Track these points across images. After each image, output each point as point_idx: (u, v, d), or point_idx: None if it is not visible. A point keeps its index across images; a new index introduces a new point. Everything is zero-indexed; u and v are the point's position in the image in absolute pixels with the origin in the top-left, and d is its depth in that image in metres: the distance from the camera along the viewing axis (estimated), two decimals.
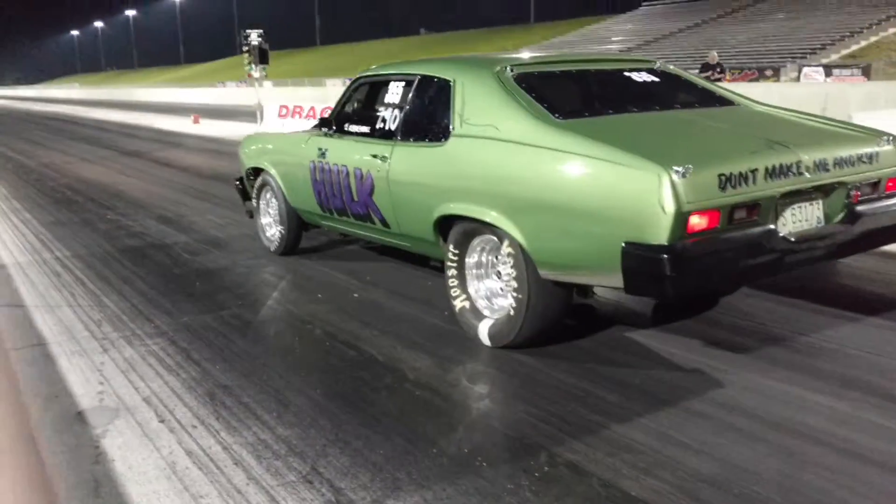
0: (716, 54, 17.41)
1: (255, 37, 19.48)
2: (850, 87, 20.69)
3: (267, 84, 37.90)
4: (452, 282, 4.07)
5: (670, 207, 2.94)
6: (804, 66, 29.74)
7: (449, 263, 4.07)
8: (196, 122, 23.36)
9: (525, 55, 4.72)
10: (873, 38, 35.77)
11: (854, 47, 35.21)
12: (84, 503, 2.58)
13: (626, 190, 3.09)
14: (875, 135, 3.84)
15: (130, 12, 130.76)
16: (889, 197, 3.78)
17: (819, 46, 35.39)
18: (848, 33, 36.33)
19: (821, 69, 28.27)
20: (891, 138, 3.83)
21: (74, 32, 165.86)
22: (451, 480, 2.64)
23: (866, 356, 3.65)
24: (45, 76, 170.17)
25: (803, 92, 19.05)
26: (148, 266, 5.82)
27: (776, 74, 28.88)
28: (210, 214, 7.85)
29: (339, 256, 5.93)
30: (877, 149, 3.72)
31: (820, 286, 4.75)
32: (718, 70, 16.27)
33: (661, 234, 2.97)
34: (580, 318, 4.27)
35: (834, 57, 33.48)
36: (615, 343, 3.90)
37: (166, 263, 5.90)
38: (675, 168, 2.96)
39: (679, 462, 2.72)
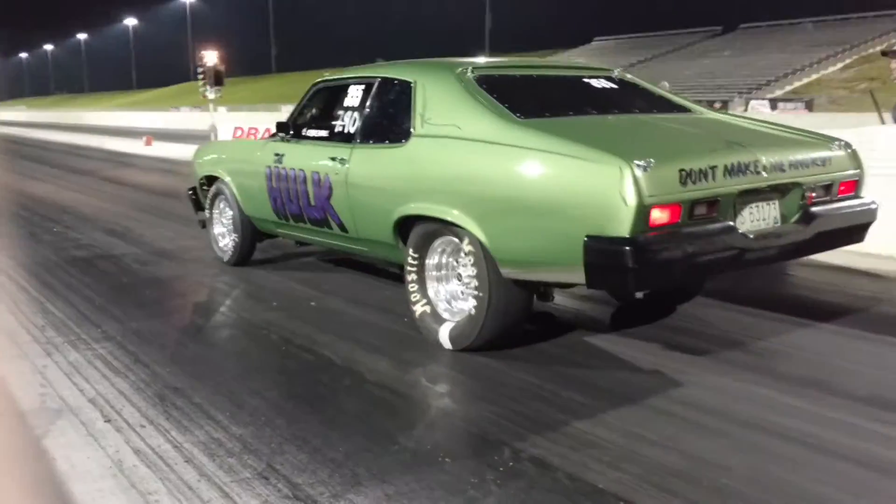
0: (667, 84, 17.83)
1: (210, 58, 19.29)
2: (795, 117, 21.36)
3: (221, 109, 37.56)
4: (412, 286, 3.99)
5: (632, 200, 2.95)
6: (750, 99, 30.64)
7: (409, 267, 4.00)
8: (148, 143, 22.90)
9: (483, 59, 4.73)
10: (814, 76, 37.17)
11: (797, 84, 36.50)
12: (24, 503, 2.43)
13: (589, 184, 3.10)
14: (827, 140, 3.94)
15: (82, 36, 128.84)
16: (841, 200, 3.86)
17: (764, 83, 36.59)
18: (791, 70, 37.66)
19: (767, 102, 29.19)
20: (842, 143, 3.93)
21: (23, 55, 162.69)
22: (414, 475, 2.55)
23: (823, 359, 3.69)
24: None
25: None
26: (95, 275, 5.63)
27: (725, 107, 29.70)
28: (161, 228, 7.66)
29: (294, 267, 5.82)
30: (829, 153, 3.81)
31: (777, 296, 4.83)
32: None
33: (622, 227, 2.98)
34: (541, 323, 4.23)
35: (778, 92, 34.61)
36: (576, 346, 3.88)
37: (114, 273, 5.71)
38: (637, 162, 2.97)
39: (645, 456, 2.67)
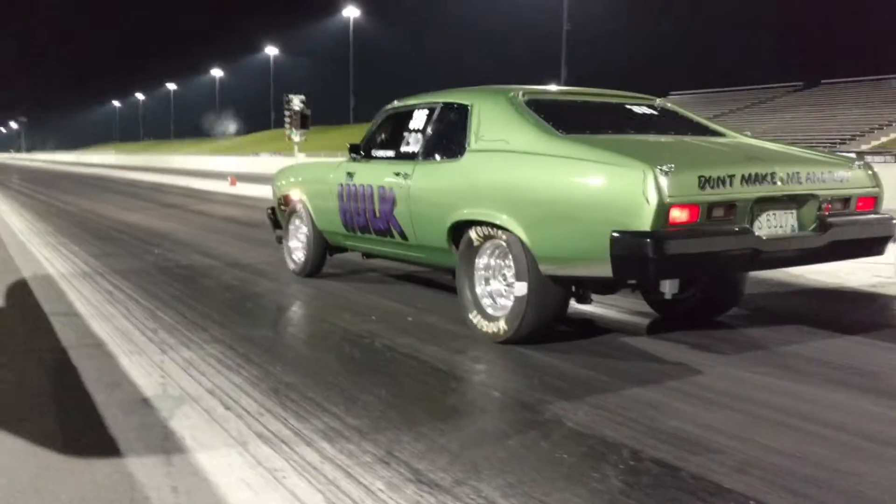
0: (749, 133, 17.60)
1: (297, 102, 19.98)
2: (884, 168, 20.72)
3: (300, 155, 38.67)
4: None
5: (653, 199, 3.35)
6: (837, 152, 29.89)
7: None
8: (233, 184, 23.73)
9: (536, 87, 5.00)
10: None
11: (883, 139, 35.50)
12: (157, 471, 2.51)
13: (617, 185, 3.51)
14: (848, 160, 4.30)
15: (171, 85, 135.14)
16: (859, 213, 4.17)
17: (848, 137, 35.72)
18: (876, 125, 36.68)
19: (854, 156, 28.39)
20: (862, 164, 4.26)
21: (116, 104, 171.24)
22: (533, 467, 2.55)
23: (840, 361, 3.93)
24: (85, 143, 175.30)
25: None
26: (198, 289, 5.84)
27: None
28: (253, 252, 7.89)
29: (388, 290, 5.93)
30: (848, 170, 4.14)
31: (806, 310, 5.21)
32: None
33: (645, 222, 3.37)
34: (579, 326, 4.61)
35: (864, 147, 33.72)
36: (611, 343, 4.26)
37: (216, 288, 5.92)
38: (659, 166, 3.38)
39: (652, 419, 3.01)
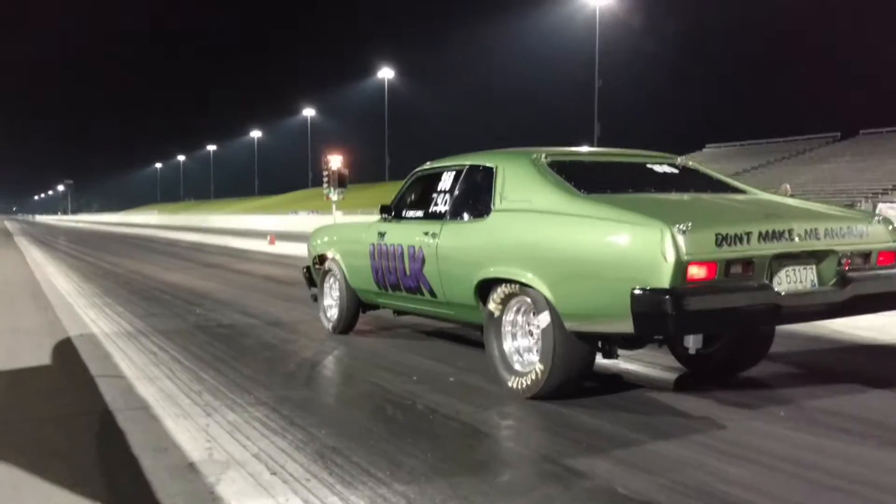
0: (788, 187, 17.41)
1: (335, 162, 20.34)
2: None
3: (338, 214, 39.23)
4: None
5: (671, 257, 3.46)
6: (878, 202, 29.44)
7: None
8: (272, 242, 24.08)
9: (560, 148, 5.11)
10: None
11: None
12: None
13: (636, 244, 3.62)
14: (867, 215, 4.40)
15: (211, 147, 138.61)
16: (880, 268, 4.20)
17: (890, 187, 35.15)
18: None
19: (877, 210, 27.95)
20: (882, 219, 4.31)
21: (158, 165, 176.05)
22: None
23: (830, 407, 4.08)
24: (128, 204, 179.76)
25: None
26: (240, 350, 5.89)
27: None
28: (294, 312, 7.95)
29: (424, 348, 5.92)
30: (867, 225, 4.19)
31: (836, 367, 5.19)
32: None
33: (664, 280, 3.47)
34: (606, 382, 4.68)
35: None
36: (637, 398, 4.31)
37: (257, 348, 5.96)
38: (677, 225, 3.48)
39: (676, 471, 3.03)
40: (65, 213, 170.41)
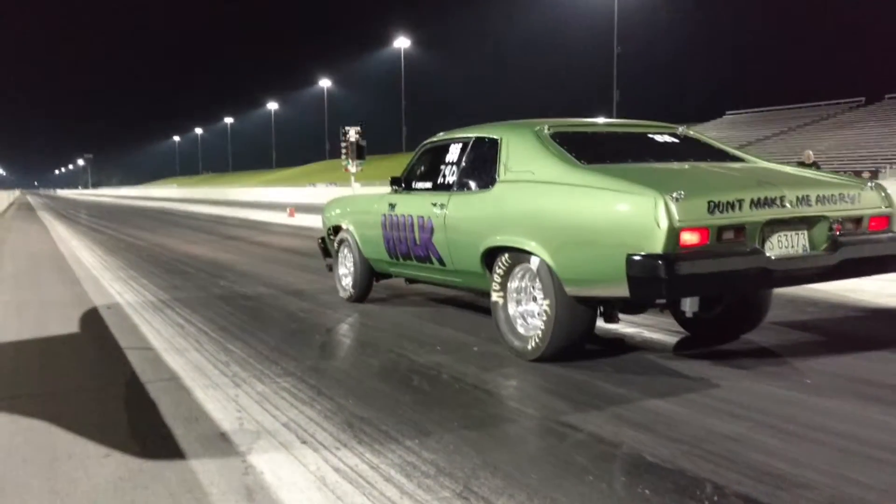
0: (811, 153, 17.17)
1: (353, 133, 20.26)
2: None
3: (356, 186, 39.14)
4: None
5: (664, 224, 3.60)
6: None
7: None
8: (291, 215, 24.16)
9: (565, 120, 5.24)
10: None
11: None
12: None
13: (632, 212, 3.76)
14: (860, 182, 4.46)
15: (228, 119, 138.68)
16: (871, 233, 4.31)
17: None
18: None
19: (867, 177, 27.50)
20: (874, 185, 4.41)
21: (176, 138, 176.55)
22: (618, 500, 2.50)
23: (859, 375, 4.12)
24: (147, 178, 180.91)
25: None
26: (265, 321, 5.94)
27: (874, 176, 28.22)
28: (316, 283, 8.00)
29: (445, 317, 5.95)
30: (859, 191, 4.28)
31: (831, 329, 5.09)
32: (814, 168, 15.99)
33: (657, 245, 3.62)
34: (608, 345, 4.88)
35: None
36: (636, 360, 4.48)
37: (283, 320, 6.01)
38: (670, 193, 3.62)
39: (664, 422, 3.02)
40: (85, 187, 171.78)
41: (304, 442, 3.14)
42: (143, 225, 21.24)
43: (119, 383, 4.17)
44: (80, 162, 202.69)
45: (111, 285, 8.10)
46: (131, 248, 13.01)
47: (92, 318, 6.12)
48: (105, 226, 20.75)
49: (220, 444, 3.16)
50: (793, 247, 4.05)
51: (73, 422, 3.48)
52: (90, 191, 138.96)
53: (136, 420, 3.57)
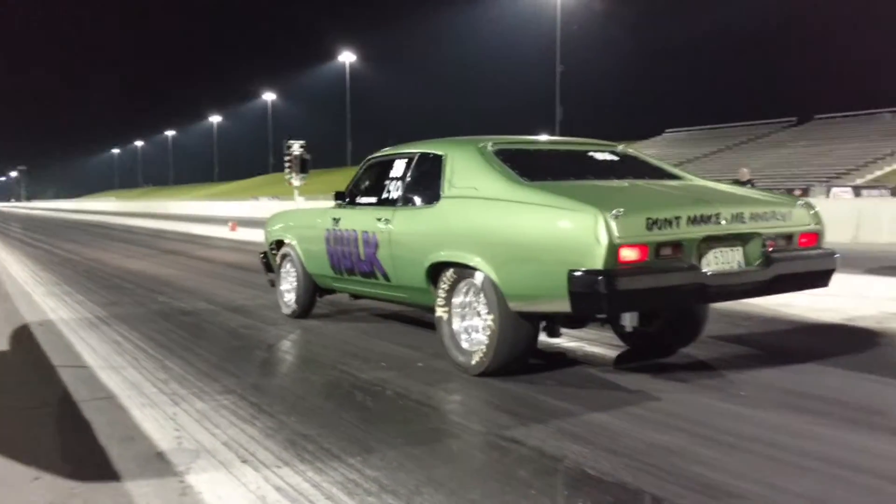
0: (746, 171, 17.70)
1: (296, 147, 20.15)
2: (882, 202, 20.84)
3: (300, 200, 38.79)
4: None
5: (604, 240, 3.68)
6: (832, 187, 30.09)
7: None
8: (233, 229, 23.76)
9: (508, 137, 5.28)
10: None
11: (878, 172, 35.75)
12: None
13: (572, 229, 3.85)
14: (791, 200, 4.65)
15: (169, 132, 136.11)
16: (801, 249, 4.46)
17: (843, 171, 35.96)
18: (871, 159, 36.95)
19: (849, 189, 28.60)
20: (804, 203, 4.59)
21: (115, 150, 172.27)
22: None
23: (795, 388, 4.22)
24: (84, 191, 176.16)
25: (837, 207, 19.02)
26: (205, 338, 5.83)
27: (805, 194, 29.18)
28: (259, 299, 7.88)
29: (391, 333, 5.93)
30: (790, 209, 4.45)
31: (764, 342, 5.39)
32: (749, 186, 16.46)
33: (597, 261, 3.69)
34: (550, 359, 4.91)
35: (859, 181, 33.91)
36: (578, 374, 4.56)
37: (223, 336, 5.91)
38: (610, 211, 3.71)
39: (606, 435, 3.27)
40: (18, 199, 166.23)
41: (244, 461, 3.09)
42: (80, 239, 20.67)
43: (51, 403, 4.04)
44: (13, 174, 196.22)
45: (44, 301, 7.85)
46: (66, 263, 12.64)
47: (23, 336, 5.92)
48: (39, 239, 20.13)
49: (157, 464, 3.08)
50: (728, 263, 4.15)
51: None
52: (24, 203, 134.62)
53: (68, 441, 3.46)
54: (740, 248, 4.20)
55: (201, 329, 6.21)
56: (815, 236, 4.55)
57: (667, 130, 56.51)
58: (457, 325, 4.65)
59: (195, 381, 4.43)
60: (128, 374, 4.60)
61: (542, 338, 4.57)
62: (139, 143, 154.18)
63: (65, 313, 7.02)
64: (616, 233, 3.68)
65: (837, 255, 4.58)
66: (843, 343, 5.42)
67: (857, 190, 28.65)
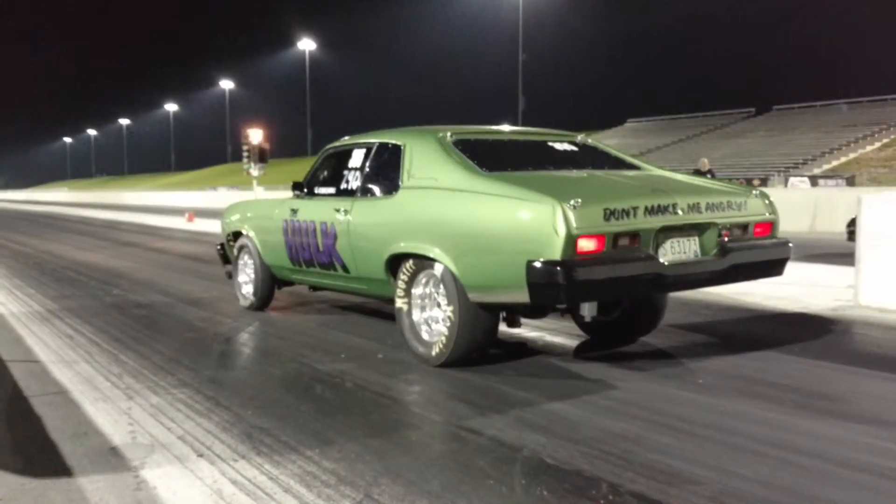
0: (706, 161, 17.93)
1: (255, 136, 19.88)
2: (838, 191, 21.29)
3: (259, 190, 38.33)
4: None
5: (562, 231, 3.69)
6: (790, 176, 30.67)
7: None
8: (190, 220, 23.42)
9: (467, 127, 5.25)
10: (852, 155, 37.16)
11: (834, 162, 36.51)
12: None
13: (530, 219, 3.84)
14: (747, 190, 4.70)
15: (124, 121, 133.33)
16: (757, 239, 4.53)
17: (801, 161, 36.66)
18: (828, 150, 37.73)
19: (807, 179, 29.17)
20: (759, 193, 4.65)
21: (67, 139, 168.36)
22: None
23: (747, 374, 4.31)
24: (35, 181, 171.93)
25: (794, 197, 19.40)
26: (161, 331, 5.73)
27: (763, 184, 29.73)
28: (215, 290, 7.78)
29: (351, 325, 5.90)
30: (745, 199, 4.50)
31: (723, 331, 5.46)
32: (709, 176, 16.69)
33: (555, 252, 3.70)
34: (511, 349, 4.94)
35: (816, 171, 34.61)
36: (538, 364, 4.59)
37: (179, 330, 5.82)
38: (568, 201, 3.72)
39: (564, 424, 3.33)
40: None
41: (200, 455, 3.05)
42: (30, 230, 20.19)
43: (1, 399, 3.93)
44: None
45: None
46: (17, 256, 12.34)
47: None
48: None
49: (111, 459, 3.02)
50: (685, 252, 4.19)
51: None
52: None
53: (18, 437, 3.38)
54: (696, 238, 4.25)
55: (157, 322, 6.10)
56: (770, 226, 4.61)
57: (629, 120, 57.02)
58: (417, 316, 4.63)
59: (150, 375, 4.35)
60: (80, 369, 4.50)
61: (503, 328, 4.57)
62: (92, 133, 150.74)
63: (15, 307, 6.85)
64: (574, 223, 3.69)
65: (791, 245, 4.65)
66: (799, 331, 5.53)
67: (815, 180, 29.22)
